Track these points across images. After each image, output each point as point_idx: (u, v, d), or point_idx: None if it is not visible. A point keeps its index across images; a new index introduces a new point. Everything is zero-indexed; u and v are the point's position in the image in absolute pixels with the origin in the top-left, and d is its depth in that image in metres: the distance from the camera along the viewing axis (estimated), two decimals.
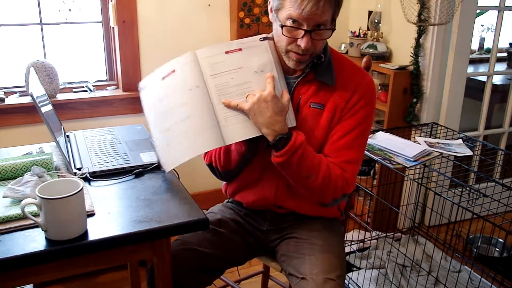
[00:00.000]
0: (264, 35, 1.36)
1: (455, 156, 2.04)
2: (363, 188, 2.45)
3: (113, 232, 1.16)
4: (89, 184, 1.41)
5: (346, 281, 2.26)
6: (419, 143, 2.06)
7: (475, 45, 3.57)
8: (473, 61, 3.26)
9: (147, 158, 1.54)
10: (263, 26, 2.74)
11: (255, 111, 1.28)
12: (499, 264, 2.31)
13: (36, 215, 1.15)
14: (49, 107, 1.64)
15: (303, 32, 1.25)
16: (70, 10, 2.51)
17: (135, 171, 1.48)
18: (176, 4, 2.59)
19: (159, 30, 2.59)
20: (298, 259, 1.42)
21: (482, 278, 2.22)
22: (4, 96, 2.35)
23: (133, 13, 2.50)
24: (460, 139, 2.17)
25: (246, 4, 2.67)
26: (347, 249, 2.44)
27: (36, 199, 1.10)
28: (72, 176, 1.41)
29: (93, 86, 2.57)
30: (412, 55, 2.53)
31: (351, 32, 2.86)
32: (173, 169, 1.40)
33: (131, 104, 2.55)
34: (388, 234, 2.66)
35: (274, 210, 1.52)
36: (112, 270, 2.30)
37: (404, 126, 2.47)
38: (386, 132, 2.17)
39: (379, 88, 2.71)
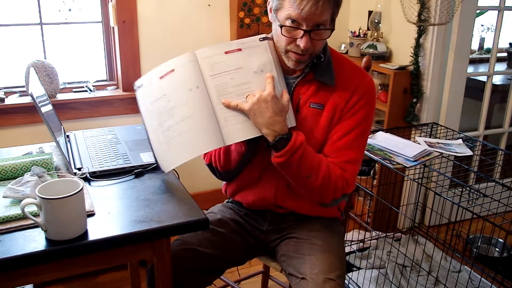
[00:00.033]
0: (263, 35, 1.36)
1: (455, 156, 2.04)
2: (363, 188, 2.45)
3: (113, 232, 1.16)
4: (89, 184, 1.41)
5: (346, 281, 2.26)
6: (419, 143, 2.06)
7: (475, 45, 3.57)
8: (473, 61, 3.26)
9: (147, 158, 1.54)
10: (263, 26, 2.74)
11: (255, 112, 1.28)
12: (499, 264, 2.31)
13: (36, 215, 1.15)
14: (49, 107, 1.64)
15: (302, 32, 1.25)
16: (70, 10, 2.51)
17: (135, 171, 1.48)
18: (176, 4, 2.59)
19: (159, 30, 2.59)
20: (298, 259, 1.42)
21: (482, 278, 2.22)
22: (4, 96, 2.35)
23: (133, 13, 2.50)
24: (460, 139, 2.17)
25: (246, 4, 2.67)
26: (347, 249, 2.44)
27: (36, 199, 1.10)
28: (72, 176, 1.41)
29: (93, 86, 2.57)
30: (412, 55, 2.53)
31: (351, 32, 2.86)
32: (173, 169, 1.40)
33: (131, 104, 2.55)
34: (388, 234, 2.66)
35: (274, 210, 1.52)
36: (112, 270, 2.30)
37: (404, 126, 2.47)
38: (386, 132, 2.17)
39: (379, 88, 2.71)
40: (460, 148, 2.06)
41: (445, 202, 2.29)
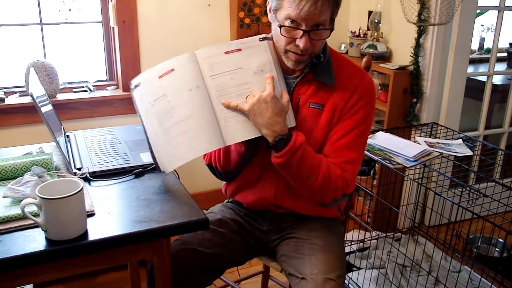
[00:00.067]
0: (263, 35, 1.36)
1: (455, 156, 2.04)
2: (363, 188, 2.45)
3: (113, 232, 1.16)
4: (89, 184, 1.41)
5: (346, 281, 2.26)
6: (419, 143, 2.06)
7: (475, 45, 3.57)
8: (473, 61, 3.26)
9: (147, 158, 1.54)
10: (263, 26, 2.74)
11: (255, 112, 1.28)
12: (499, 264, 2.31)
13: (36, 215, 1.15)
14: (49, 107, 1.64)
15: (301, 32, 1.25)
16: (70, 10, 2.51)
17: (135, 171, 1.48)
18: (176, 4, 2.59)
19: (159, 30, 2.59)
20: (298, 259, 1.42)
21: (482, 278, 2.22)
22: (4, 96, 2.35)
23: (133, 13, 2.50)
24: (460, 139, 2.17)
25: (246, 4, 2.67)
26: (347, 249, 2.44)
27: (36, 199, 1.10)
28: (72, 176, 1.41)
29: (93, 86, 2.57)
30: (412, 55, 2.53)
31: (351, 32, 2.86)
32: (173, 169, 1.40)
33: (131, 104, 2.50)
34: (388, 234, 2.66)
35: (274, 210, 1.52)
36: (112, 270, 2.30)
37: (404, 126, 2.48)
38: (386, 132, 2.17)
39: (379, 88, 2.71)
40: (460, 148, 2.06)
41: (445, 202, 2.29)
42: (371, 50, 2.68)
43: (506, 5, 2.69)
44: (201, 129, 1.30)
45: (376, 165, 2.75)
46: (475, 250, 2.54)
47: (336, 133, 1.37)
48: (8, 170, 1.40)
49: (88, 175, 1.44)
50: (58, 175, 1.40)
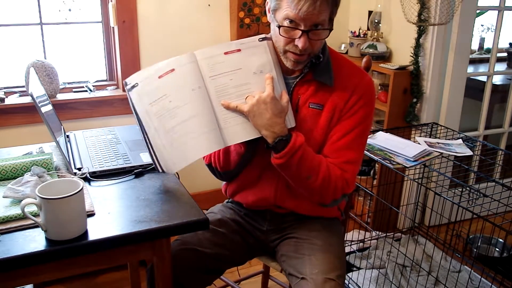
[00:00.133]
0: (263, 36, 1.36)
1: (455, 156, 2.04)
2: (363, 188, 2.45)
3: (113, 232, 1.16)
4: (89, 184, 1.41)
5: (346, 281, 2.26)
6: (419, 143, 2.06)
7: (475, 45, 3.57)
8: (473, 61, 3.26)
9: (147, 158, 1.53)
10: (263, 26, 2.74)
11: (254, 113, 1.28)
12: (499, 264, 2.31)
13: (36, 215, 1.15)
14: (49, 107, 1.64)
15: (300, 32, 1.25)
16: (70, 10, 2.51)
17: (135, 171, 1.47)
18: (176, 4, 2.59)
19: (159, 30, 2.59)
20: (298, 259, 1.42)
21: (482, 278, 2.22)
22: (4, 96, 2.35)
23: (133, 13, 2.50)
24: (460, 139, 2.17)
25: (246, 4, 2.67)
26: (347, 249, 2.44)
27: (36, 199, 1.10)
28: (72, 176, 1.41)
29: (93, 86, 2.57)
30: (412, 55, 2.53)
31: (351, 32, 2.86)
32: None
33: None
34: (388, 234, 2.66)
35: (274, 210, 1.52)
36: (112, 270, 2.30)
37: (404, 126, 2.48)
38: (386, 132, 2.17)
39: (379, 88, 2.71)
40: (460, 148, 2.06)
41: (445, 202, 2.29)
42: (371, 50, 2.68)
43: (506, 5, 2.69)
44: (204, 129, 1.30)
45: (376, 165, 2.75)
46: (475, 250, 2.54)
47: (335, 133, 1.37)
48: (8, 170, 1.40)
49: (88, 175, 1.44)
50: (58, 175, 1.40)
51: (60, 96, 2.46)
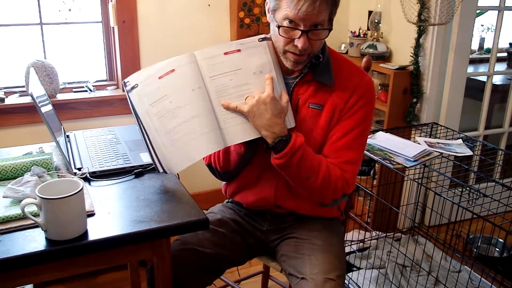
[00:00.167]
0: (263, 36, 1.36)
1: (455, 156, 2.04)
2: (363, 188, 2.45)
3: (113, 232, 1.16)
4: (89, 184, 1.41)
5: (346, 281, 2.26)
6: (419, 143, 2.06)
7: (475, 45, 3.57)
8: (473, 61, 3.26)
9: (147, 158, 1.53)
10: (263, 26, 2.74)
11: (254, 113, 1.28)
12: (499, 264, 2.31)
13: (36, 215, 1.15)
14: (49, 107, 1.64)
15: (300, 32, 1.25)
16: (70, 10, 2.51)
17: (135, 171, 1.47)
18: (176, 4, 2.59)
19: (159, 30, 2.59)
20: (298, 259, 1.42)
21: (482, 278, 2.22)
22: (4, 96, 2.35)
23: (133, 13, 2.50)
24: (460, 139, 2.17)
25: (246, 4, 2.67)
26: (347, 249, 2.44)
27: (36, 199, 1.10)
28: (72, 176, 1.41)
29: (93, 86, 2.57)
30: (412, 55, 2.53)
31: (351, 32, 2.86)
32: None
33: None
34: (388, 234, 2.66)
35: (274, 210, 1.52)
36: (112, 270, 2.30)
37: (404, 126, 2.48)
38: (386, 132, 2.17)
39: (379, 88, 2.71)
40: (460, 148, 2.06)
41: (445, 202, 2.29)
42: (371, 50, 2.68)
43: (506, 5, 2.69)
44: (205, 129, 1.30)
45: (376, 165, 2.75)
46: (475, 250, 2.54)
47: (335, 133, 1.37)
48: (8, 170, 1.40)
49: (88, 175, 1.44)
50: (58, 175, 1.40)
51: (60, 96, 2.46)
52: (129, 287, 1.96)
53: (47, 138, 1.61)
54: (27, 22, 2.46)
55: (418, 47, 2.51)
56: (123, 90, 1.32)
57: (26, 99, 2.37)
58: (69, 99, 2.45)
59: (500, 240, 2.60)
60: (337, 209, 1.58)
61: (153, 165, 1.36)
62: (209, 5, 2.66)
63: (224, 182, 1.60)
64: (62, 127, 1.74)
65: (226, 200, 1.67)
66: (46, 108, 1.54)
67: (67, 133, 1.78)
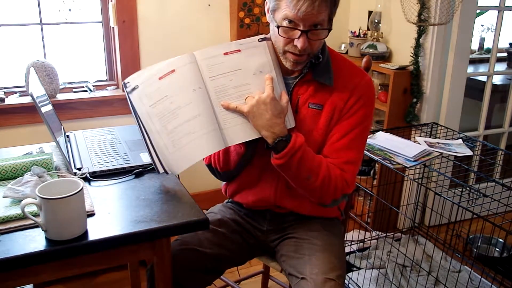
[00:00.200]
0: (262, 36, 1.36)
1: (455, 156, 2.04)
2: (363, 188, 2.45)
3: (113, 232, 1.16)
4: (89, 184, 1.41)
5: (346, 281, 2.26)
6: (419, 143, 2.06)
7: (475, 45, 3.57)
8: (473, 61, 3.26)
9: (147, 158, 1.53)
10: (263, 26, 2.74)
11: (254, 114, 1.28)
12: (499, 264, 2.31)
13: (36, 215, 1.15)
14: (49, 107, 1.64)
15: (299, 32, 1.25)
16: (70, 10, 2.51)
17: (135, 171, 1.47)
18: (176, 4, 2.59)
19: (159, 30, 2.59)
20: (298, 259, 1.42)
21: (482, 278, 2.22)
22: (4, 96, 2.35)
23: (133, 13, 2.50)
24: (460, 139, 2.17)
25: (246, 4, 2.67)
26: (347, 249, 2.44)
27: (36, 199, 1.10)
28: (72, 176, 1.41)
29: (93, 86, 2.57)
30: (412, 55, 2.53)
31: (351, 32, 2.86)
32: None
33: None
34: (388, 234, 2.66)
35: (274, 210, 1.52)
36: (112, 270, 2.30)
37: (404, 126, 2.48)
38: (386, 132, 2.17)
39: (379, 88, 2.71)
40: (460, 148, 2.06)
41: (445, 202, 2.29)
42: (371, 50, 2.68)
43: (506, 5, 2.69)
44: (205, 129, 1.30)
45: (376, 165, 2.75)
46: (475, 250, 2.54)
47: (335, 134, 1.37)
48: (8, 170, 1.40)
49: (88, 175, 1.44)
50: (58, 175, 1.40)
51: (60, 96, 2.46)
52: (129, 287, 1.96)
53: (47, 138, 1.61)
54: (27, 22, 2.46)
55: (418, 47, 2.51)
56: (123, 90, 1.32)
57: (26, 99, 2.37)
58: (69, 99, 2.45)
59: (500, 240, 2.60)
60: (337, 209, 1.58)
61: (153, 166, 1.36)
62: (209, 5, 2.66)
63: (224, 182, 1.60)
64: (62, 127, 1.74)
65: (226, 200, 1.67)
66: (46, 108, 1.54)
67: (67, 133, 1.78)
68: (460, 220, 2.25)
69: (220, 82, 1.31)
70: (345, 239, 1.75)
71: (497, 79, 3.24)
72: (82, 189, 1.12)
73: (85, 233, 1.15)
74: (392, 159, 1.91)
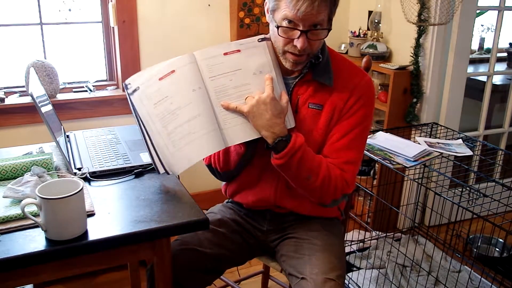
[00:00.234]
0: (262, 36, 1.36)
1: (455, 156, 2.04)
2: (363, 188, 2.45)
3: (113, 232, 1.16)
4: (89, 184, 1.41)
5: (346, 281, 2.26)
6: (419, 143, 2.06)
7: (475, 45, 3.57)
8: (473, 61, 3.26)
9: (147, 158, 1.53)
10: (263, 26, 2.74)
11: (254, 114, 1.28)
12: (499, 264, 2.31)
13: (36, 215, 1.15)
14: (49, 107, 1.64)
15: (299, 32, 1.25)
16: (70, 10, 2.51)
17: (135, 171, 1.47)
18: (176, 4, 2.59)
19: (159, 30, 2.59)
20: (298, 259, 1.42)
21: (482, 278, 2.22)
22: (4, 96, 2.35)
23: (133, 13, 2.50)
24: (460, 139, 2.17)
25: (246, 4, 2.67)
26: (347, 249, 2.44)
27: (36, 199, 1.10)
28: (72, 176, 1.41)
29: (93, 86, 2.57)
30: (412, 55, 2.53)
31: (351, 32, 2.86)
32: None
33: None
34: (388, 234, 2.66)
35: (274, 210, 1.52)
36: (112, 270, 2.30)
37: (404, 126, 2.48)
38: (386, 132, 2.17)
39: (379, 88, 2.71)
40: (460, 148, 2.06)
41: (445, 202, 2.29)
42: (371, 50, 2.68)
43: (506, 5, 2.69)
44: (205, 130, 1.30)
45: (376, 165, 2.75)
46: (475, 250, 2.54)
47: (335, 134, 1.37)
48: (8, 170, 1.40)
49: (88, 175, 1.44)
50: (58, 175, 1.40)
51: (60, 96, 2.46)
52: (129, 287, 1.96)
53: (47, 138, 1.61)
54: (27, 22, 2.46)
55: (418, 47, 2.51)
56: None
57: (26, 99, 2.37)
58: (69, 99, 2.45)
59: (500, 240, 2.60)
60: (337, 209, 1.58)
61: (153, 166, 1.36)
62: (209, 5, 2.66)
63: (224, 182, 1.60)
64: (62, 127, 1.74)
65: (226, 200, 1.67)
66: (46, 108, 1.54)
67: (67, 133, 1.78)
68: (460, 220, 2.25)
69: (220, 82, 1.31)
70: (345, 239, 1.75)
71: (497, 79, 3.24)
72: (82, 189, 1.12)
73: (85, 233, 1.15)
74: (392, 159, 1.91)
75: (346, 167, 1.36)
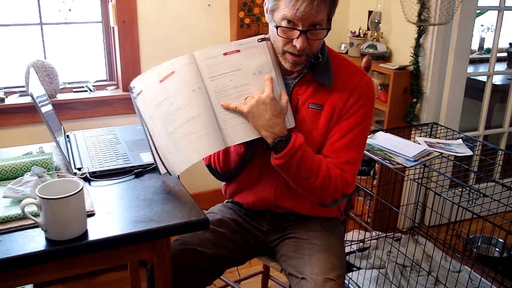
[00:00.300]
0: (262, 36, 1.36)
1: (455, 156, 2.04)
2: (363, 188, 2.45)
3: (113, 232, 1.16)
4: (89, 184, 1.41)
5: (346, 281, 2.26)
6: (419, 143, 2.06)
7: (475, 45, 3.57)
8: (473, 61, 3.26)
9: (147, 158, 1.54)
10: (263, 26, 2.74)
11: (254, 114, 1.28)
12: (499, 264, 2.31)
13: (36, 215, 1.15)
14: (49, 107, 1.64)
15: (298, 32, 1.25)
16: (70, 10, 2.51)
17: (135, 171, 1.48)
18: (176, 4, 2.59)
19: (159, 30, 2.59)
20: (298, 259, 1.42)
21: (482, 278, 2.22)
22: (4, 96, 2.35)
23: (133, 13, 2.50)
24: (460, 139, 2.17)
25: (246, 4, 2.67)
26: (347, 249, 2.44)
27: (36, 199, 1.10)
28: (72, 176, 1.41)
29: (93, 86, 2.57)
30: (412, 55, 2.53)
31: (351, 32, 2.86)
32: None
33: (131, 104, 2.52)
34: (388, 234, 2.66)
35: (274, 210, 1.52)
36: (112, 270, 2.30)
37: (404, 126, 2.48)
38: (386, 132, 2.17)
39: (379, 88, 2.71)
40: (460, 148, 2.06)
41: (445, 202, 2.29)
42: (371, 50, 2.68)
43: (506, 5, 2.69)
44: (205, 130, 1.30)
45: (376, 165, 2.75)
46: (475, 250, 2.54)
47: (335, 134, 1.37)
48: (8, 170, 1.40)
49: (88, 175, 1.44)
50: (58, 175, 1.40)
51: (60, 96, 2.46)
52: (129, 287, 1.96)
53: (47, 138, 1.61)
54: (27, 22, 2.46)
55: (418, 47, 2.51)
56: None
57: (26, 99, 2.37)
58: (69, 99, 2.45)
59: (500, 240, 2.60)
60: (337, 209, 1.58)
61: (154, 166, 1.36)
62: (209, 5, 2.66)
63: (224, 183, 1.60)
64: (62, 127, 1.74)
65: (226, 200, 1.67)
66: (46, 108, 1.54)
67: (67, 133, 1.78)
68: (460, 220, 2.25)
69: (220, 82, 1.31)
70: (345, 239, 1.75)
71: (497, 79, 3.24)
72: (82, 189, 1.12)
73: (85, 233, 1.15)
74: (392, 159, 1.91)
75: (346, 167, 1.36)
